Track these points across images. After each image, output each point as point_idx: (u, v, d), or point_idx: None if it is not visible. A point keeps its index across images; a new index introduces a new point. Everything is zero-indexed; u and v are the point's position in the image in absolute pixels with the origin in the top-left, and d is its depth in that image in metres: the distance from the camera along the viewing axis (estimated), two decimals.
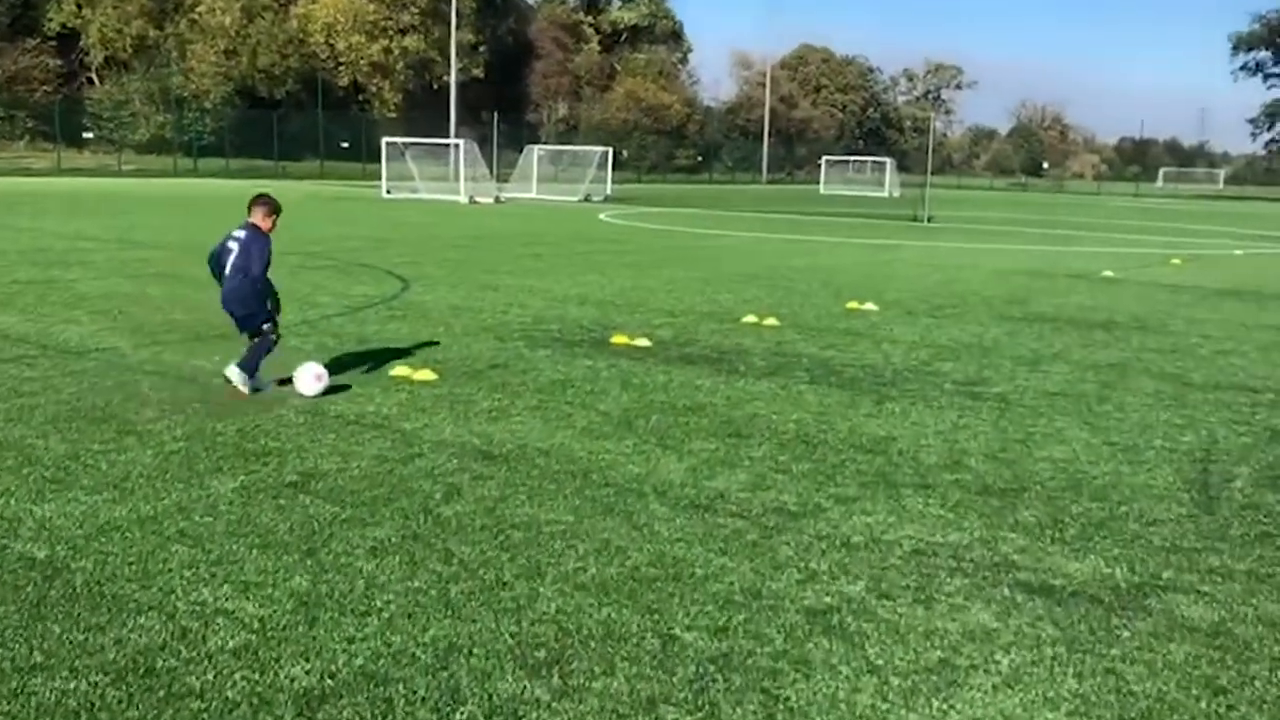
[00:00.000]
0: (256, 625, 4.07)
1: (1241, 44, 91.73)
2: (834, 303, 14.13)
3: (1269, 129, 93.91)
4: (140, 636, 3.94)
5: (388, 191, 43.29)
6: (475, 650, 3.94)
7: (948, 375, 9.51)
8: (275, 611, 4.19)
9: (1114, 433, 7.59)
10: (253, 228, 7.80)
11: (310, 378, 7.87)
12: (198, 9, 68.66)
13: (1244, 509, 5.94)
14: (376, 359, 9.30)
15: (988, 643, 4.18)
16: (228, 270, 7.70)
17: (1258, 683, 3.94)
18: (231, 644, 3.91)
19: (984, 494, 6.07)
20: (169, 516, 5.24)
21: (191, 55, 67.83)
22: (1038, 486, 6.24)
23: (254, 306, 7.75)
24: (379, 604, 4.29)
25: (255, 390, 7.81)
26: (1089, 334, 12.17)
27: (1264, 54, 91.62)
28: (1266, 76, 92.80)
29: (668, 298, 14.17)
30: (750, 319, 12.37)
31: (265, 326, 7.79)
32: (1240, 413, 8.35)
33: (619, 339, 10.68)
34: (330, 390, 8.00)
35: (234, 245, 7.72)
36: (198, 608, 4.20)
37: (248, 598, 4.31)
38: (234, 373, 7.75)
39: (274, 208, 7.91)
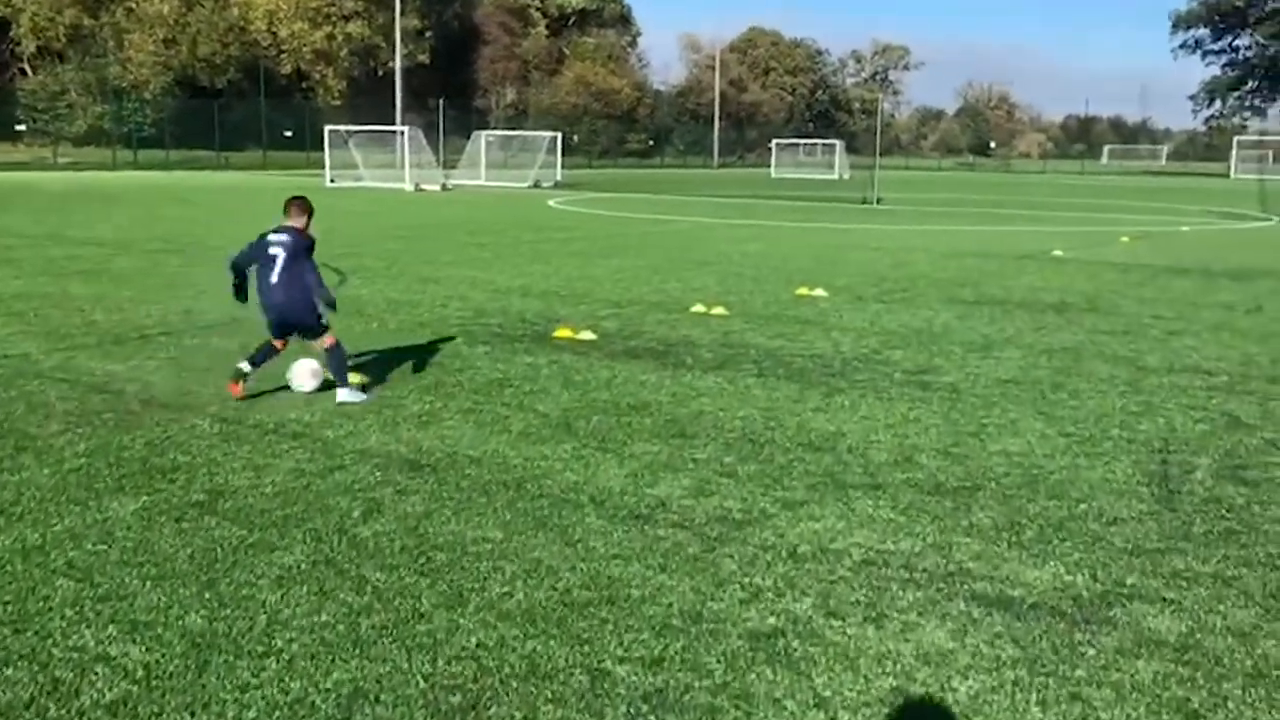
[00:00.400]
0: (140, 674, 3.67)
1: (1181, 22, 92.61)
2: (784, 289, 13.84)
3: (1209, 105, 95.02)
4: (3, 693, 3.52)
5: (331, 180, 42.48)
6: (383, 696, 3.57)
7: (898, 364, 9.24)
8: (163, 656, 3.79)
9: (1069, 422, 7.35)
10: (295, 231, 7.50)
11: (306, 374, 7.66)
12: None
13: (1206, 503, 5.69)
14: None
15: (944, 666, 3.88)
16: (275, 278, 7.33)
17: (1231, 703, 3.67)
18: (108, 697, 3.51)
19: (937, 494, 5.78)
20: (58, 545, 4.81)
21: (129, 45, 66.18)
22: (992, 484, 5.97)
23: (314, 312, 7.51)
24: (279, 643, 3.91)
25: (363, 396, 7.55)
26: (1040, 317, 11.98)
27: (1203, 31, 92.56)
28: (1205, 54, 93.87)
29: (614, 287, 13.81)
30: (698, 308, 12.04)
31: (324, 323, 7.56)
32: (1196, 398, 8.15)
33: (562, 332, 10.31)
34: (251, 396, 7.58)
35: (279, 251, 7.37)
36: (76, 654, 3.79)
37: (134, 640, 3.90)
38: (344, 394, 7.46)
39: (309, 208, 7.71)
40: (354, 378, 8.05)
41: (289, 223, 7.60)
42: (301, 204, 7.68)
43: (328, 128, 44.54)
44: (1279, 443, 6.91)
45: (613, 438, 6.76)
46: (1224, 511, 5.58)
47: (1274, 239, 23.82)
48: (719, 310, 11.93)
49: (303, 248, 7.44)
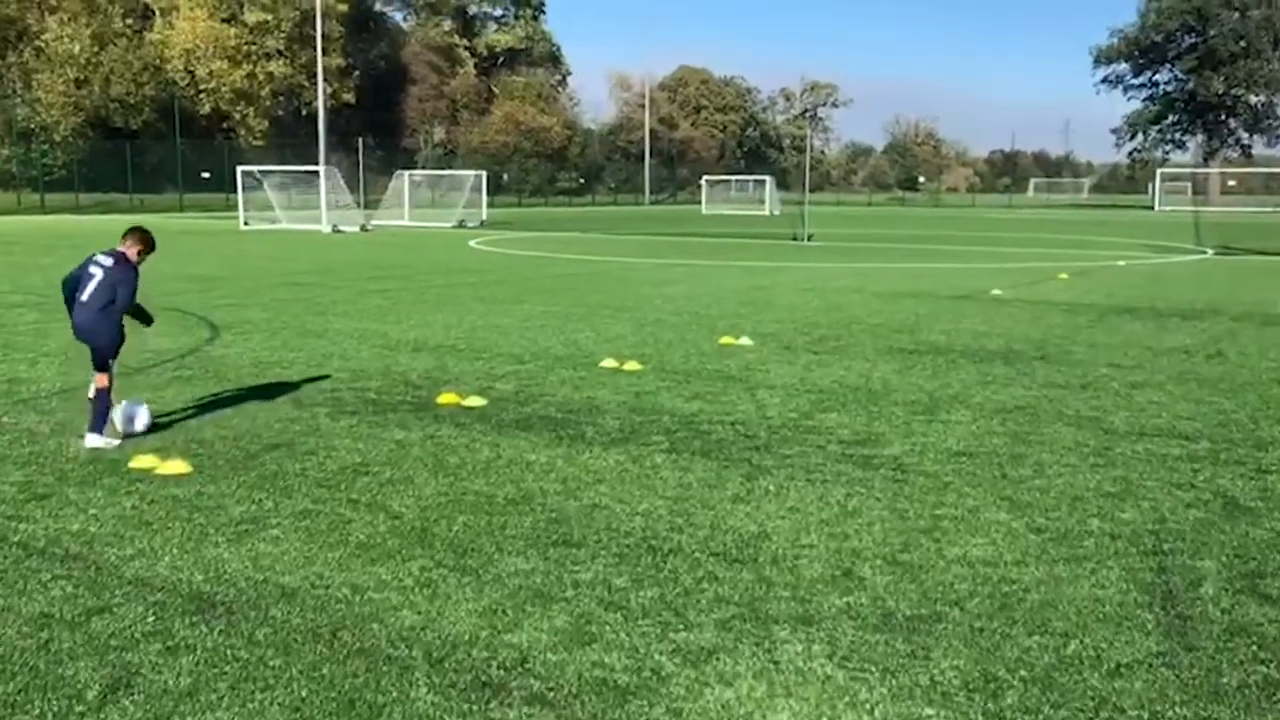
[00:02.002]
0: None
1: (1102, 57, 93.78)
2: (706, 338, 12.55)
3: (1131, 139, 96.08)
4: None
5: (245, 223, 40.67)
6: None
7: (832, 432, 7.94)
8: None
9: (1038, 510, 6.09)
10: (120, 257, 7.35)
11: (123, 420, 7.47)
12: (43, 36, 64.65)
13: (1229, 635, 4.43)
14: (122, 441, 7.35)
15: None
16: (84, 297, 7.20)
17: None
18: None
19: (886, 630, 4.45)
20: None
21: (38, 85, 63.80)
22: (956, 611, 4.65)
23: (114, 338, 7.27)
24: None
25: (126, 435, 7.39)
26: (988, 367, 10.80)
27: (1123, 66, 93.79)
28: (1126, 88, 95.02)
29: (520, 339, 12.42)
30: (609, 363, 10.70)
31: (111, 363, 7.31)
32: (1179, 471, 6.94)
33: (447, 398, 8.89)
34: (41, 495, 6.09)
35: (97, 271, 7.25)
36: None
37: None
38: (93, 440, 7.21)
39: (147, 241, 7.51)
40: (173, 465, 6.59)
41: (119, 247, 7.42)
42: (138, 235, 7.49)
43: (240, 168, 42.70)
44: None
45: (477, 550, 5.35)
46: (1254, 648, 4.31)
47: (1211, 273, 23.13)
48: (632, 365, 10.59)
49: (124, 277, 7.23)
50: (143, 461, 6.82)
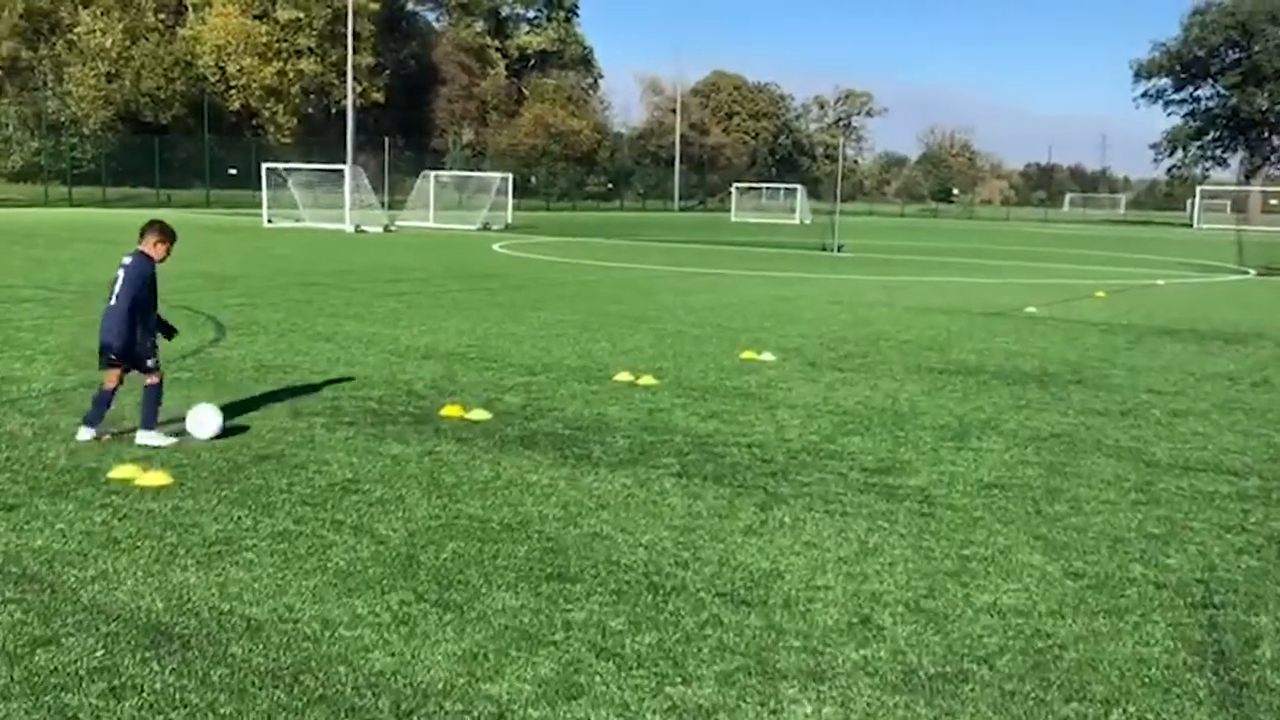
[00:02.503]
0: None
1: (1143, 71, 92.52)
2: (727, 352, 12.11)
3: (1170, 154, 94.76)
4: None
5: (269, 221, 40.56)
6: None
7: (855, 458, 7.49)
8: None
9: (1076, 553, 5.61)
10: (139, 254, 7.24)
11: (197, 423, 7.36)
12: (76, 29, 64.92)
13: None
14: (105, 449, 7.00)
15: None
16: (111, 300, 7.11)
17: None
18: None
19: (905, 691, 4.00)
20: None
21: (69, 78, 64.04)
22: (984, 670, 4.20)
23: (125, 335, 7.06)
24: None
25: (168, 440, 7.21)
26: (1021, 390, 10.31)
27: (1164, 81, 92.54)
28: (1167, 104, 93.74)
29: (533, 348, 12.02)
30: (624, 377, 10.28)
31: (149, 362, 7.23)
32: (1228, 511, 6.45)
33: (451, 411, 8.49)
34: (9, 505, 5.74)
35: (119, 272, 7.17)
36: None
37: None
38: (145, 437, 7.19)
39: (166, 234, 7.34)
40: (154, 477, 6.23)
41: (140, 246, 7.28)
42: (157, 228, 7.32)
43: (265, 166, 42.59)
44: None
45: (463, 582, 4.94)
46: None
47: (1255, 294, 22.47)
48: (647, 380, 10.17)
49: (135, 270, 7.13)
50: (123, 471, 6.46)
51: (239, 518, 5.78)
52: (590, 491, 6.48)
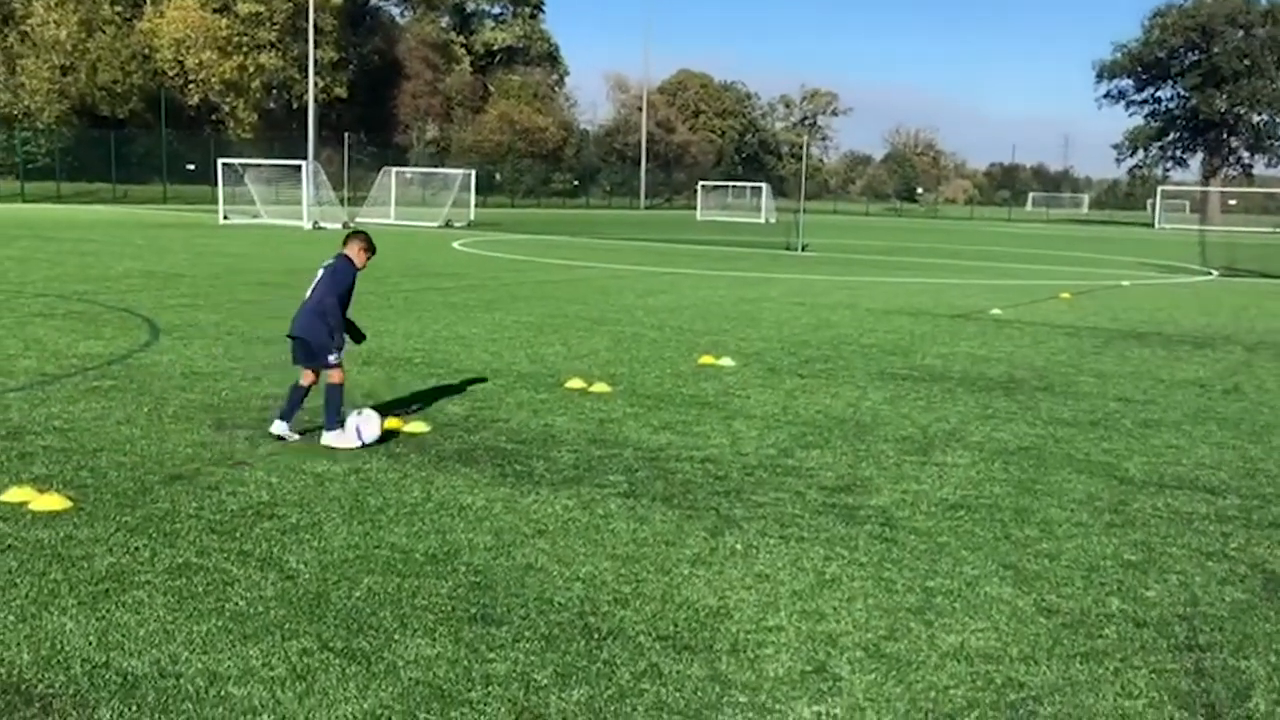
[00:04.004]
0: None
1: (1105, 72, 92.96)
2: (685, 357, 11.65)
3: (1132, 155, 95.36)
4: None
5: (225, 218, 39.67)
6: None
7: (813, 474, 7.05)
8: None
9: (1049, 585, 5.19)
10: (344, 258, 7.54)
11: (354, 430, 7.30)
12: (29, 20, 63.48)
13: None
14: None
15: None
16: (307, 295, 7.42)
17: None
18: None
19: None
20: None
21: (21, 70, 62.59)
22: None
23: (319, 331, 7.30)
24: None
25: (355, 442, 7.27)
26: (987, 398, 9.92)
27: (1126, 82, 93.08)
28: (1128, 104, 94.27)
29: (483, 353, 11.51)
30: (576, 383, 9.80)
31: (331, 358, 7.33)
32: (1207, 535, 6.06)
33: (387, 423, 7.96)
34: None
35: (320, 273, 7.48)
36: None
37: None
38: (329, 437, 7.27)
39: (370, 245, 7.71)
40: (49, 501, 5.68)
41: (345, 251, 7.57)
42: (362, 238, 7.67)
43: (221, 161, 41.67)
44: None
45: (375, 626, 4.44)
46: None
47: (1220, 296, 22.28)
48: (600, 387, 9.69)
49: (337, 272, 7.41)
50: (16, 494, 5.91)
51: (136, 549, 5.24)
52: (528, 515, 5.99)
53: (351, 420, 7.32)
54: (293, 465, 6.82)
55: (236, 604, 4.62)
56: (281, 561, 5.14)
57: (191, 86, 70.59)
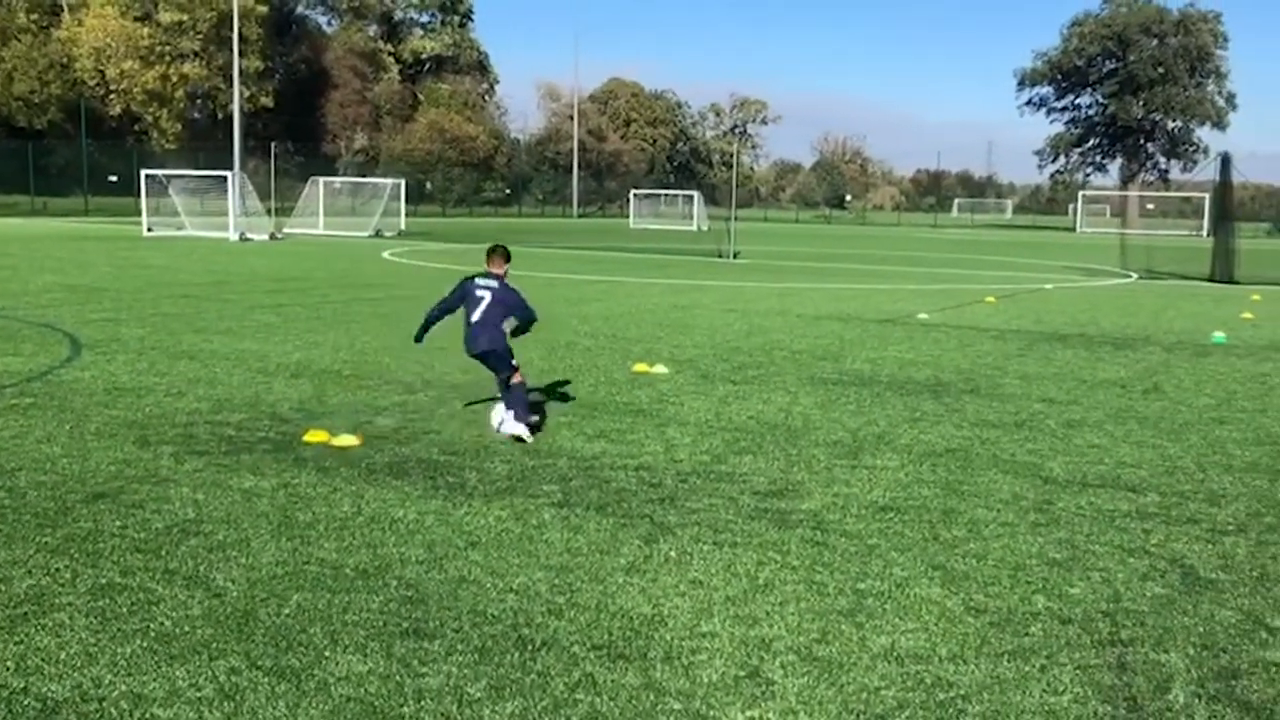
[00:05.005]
0: None
1: (1026, 80, 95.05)
2: (619, 365, 11.67)
3: (1053, 161, 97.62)
4: None
5: (149, 229, 38.87)
6: None
7: (746, 480, 7.10)
8: None
9: (976, 584, 5.29)
10: (499, 279, 8.23)
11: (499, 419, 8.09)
12: None
13: None
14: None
15: None
16: (477, 316, 8.07)
17: None
18: None
19: None
20: None
21: None
22: None
23: (502, 341, 8.12)
24: None
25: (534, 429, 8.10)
26: (915, 401, 10.07)
27: (1046, 89, 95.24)
28: (1049, 111, 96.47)
29: (414, 364, 11.42)
30: None
31: (514, 363, 8.13)
32: (1129, 532, 6.21)
33: (315, 436, 7.88)
34: None
35: (485, 294, 8.12)
36: None
37: None
38: (511, 427, 7.90)
39: (508, 256, 8.48)
40: None
41: (492, 269, 8.30)
42: (503, 252, 8.42)
43: (144, 172, 40.85)
44: (1262, 617, 4.96)
45: (305, 643, 4.38)
46: None
47: (1139, 298, 22.86)
48: (533, 396, 9.65)
49: (513, 293, 8.24)
50: None
51: (57, 570, 5.12)
52: (461, 528, 5.96)
53: (495, 414, 8.18)
54: (219, 481, 6.71)
55: (162, 624, 4.53)
56: (208, 580, 5.05)
57: (113, 96, 69.25)
